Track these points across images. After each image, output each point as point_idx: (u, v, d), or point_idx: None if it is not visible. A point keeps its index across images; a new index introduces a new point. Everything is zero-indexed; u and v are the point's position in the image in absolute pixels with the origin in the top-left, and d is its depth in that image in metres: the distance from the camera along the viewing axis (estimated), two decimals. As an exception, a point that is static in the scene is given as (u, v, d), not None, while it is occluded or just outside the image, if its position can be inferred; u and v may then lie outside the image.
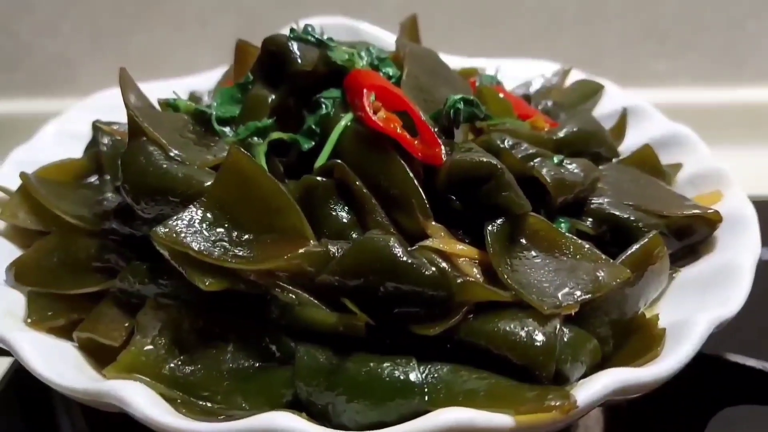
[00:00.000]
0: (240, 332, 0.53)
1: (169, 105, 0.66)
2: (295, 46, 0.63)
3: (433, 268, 0.50)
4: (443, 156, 0.57)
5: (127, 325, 0.55)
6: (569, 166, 0.62)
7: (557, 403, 0.43)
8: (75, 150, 0.78)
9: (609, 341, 0.53)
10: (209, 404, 0.48)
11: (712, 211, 0.64)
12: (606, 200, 0.63)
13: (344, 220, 0.57)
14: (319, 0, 1.11)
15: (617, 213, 0.62)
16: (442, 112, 0.61)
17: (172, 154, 0.57)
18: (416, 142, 0.59)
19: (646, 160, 0.71)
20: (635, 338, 0.54)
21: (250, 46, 0.73)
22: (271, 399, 0.49)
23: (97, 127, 0.77)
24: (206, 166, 0.57)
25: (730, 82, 1.32)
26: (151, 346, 0.51)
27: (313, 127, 0.62)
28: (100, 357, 0.56)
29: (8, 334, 0.51)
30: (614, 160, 0.72)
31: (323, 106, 0.63)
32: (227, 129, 0.62)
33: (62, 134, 0.80)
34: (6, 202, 0.66)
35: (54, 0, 1.29)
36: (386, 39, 0.92)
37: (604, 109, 0.86)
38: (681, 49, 1.32)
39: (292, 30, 0.65)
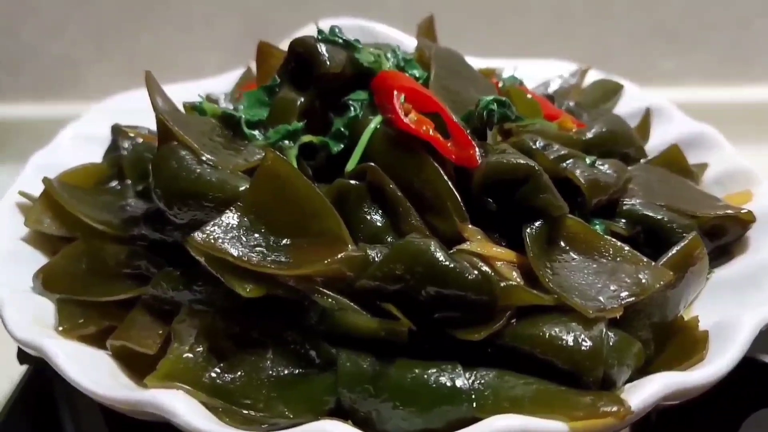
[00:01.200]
0: (278, 338, 0.52)
1: (195, 108, 0.65)
2: (323, 48, 0.62)
3: (476, 272, 0.50)
4: (478, 158, 0.57)
5: (161, 332, 0.54)
6: (602, 167, 0.61)
7: (613, 409, 0.43)
8: (94, 154, 0.78)
9: (650, 344, 0.53)
10: (252, 412, 0.48)
11: (745, 211, 0.63)
12: (638, 201, 0.63)
13: (379, 224, 0.56)
14: (324, 1, 1.11)
15: (651, 214, 0.62)
16: (474, 113, 0.61)
17: (204, 158, 0.56)
18: (449, 144, 0.58)
19: (674, 161, 0.71)
20: (676, 341, 0.54)
21: (272, 48, 0.72)
22: (313, 407, 0.48)
23: (117, 131, 0.76)
24: (238, 170, 0.56)
25: (738, 81, 1.32)
26: (189, 354, 0.50)
27: (342, 129, 0.61)
28: (133, 365, 0.55)
29: (43, 341, 0.50)
30: (642, 160, 0.72)
31: (351, 108, 0.62)
32: (256, 132, 0.61)
33: (81, 138, 0.79)
34: (30, 209, 0.65)
35: (59, 2, 1.28)
36: (401, 40, 0.91)
37: (625, 109, 0.85)
38: (689, 48, 1.32)
39: (320, 31, 0.65)
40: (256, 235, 0.52)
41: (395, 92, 0.61)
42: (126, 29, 1.33)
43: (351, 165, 0.59)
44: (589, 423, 0.43)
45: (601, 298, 0.51)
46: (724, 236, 0.64)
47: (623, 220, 0.62)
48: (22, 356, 0.65)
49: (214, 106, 0.63)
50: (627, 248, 0.55)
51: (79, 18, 1.30)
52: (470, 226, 0.56)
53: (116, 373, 0.53)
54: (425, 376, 0.47)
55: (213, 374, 0.50)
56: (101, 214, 0.63)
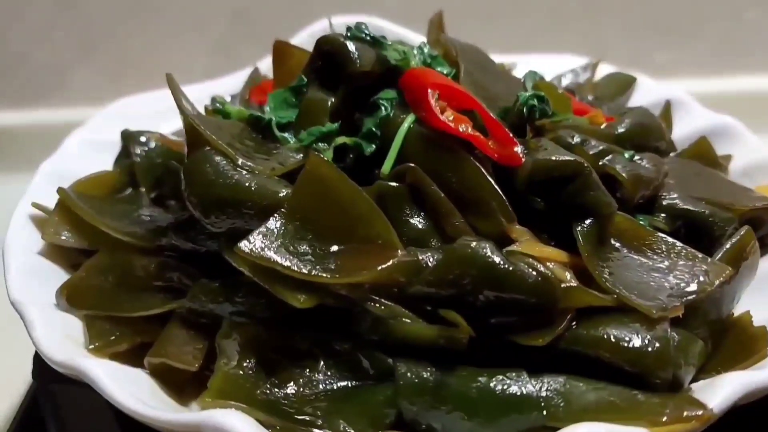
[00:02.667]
0: (327, 349, 0.50)
1: (218, 112, 0.62)
2: (352, 46, 0.60)
3: (535, 274, 0.48)
4: (521, 156, 0.55)
5: (200, 347, 0.52)
6: (641, 162, 0.60)
7: (696, 413, 0.41)
8: (103, 161, 0.74)
9: (708, 342, 0.52)
10: (312, 429, 0.45)
11: (782, 203, 0.63)
12: (675, 195, 0.62)
13: (422, 227, 0.54)
14: (314, 2, 1.08)
15: (692, 208, 0.60)
16: (513, 109, 0.59)
17: (239, 163, 0.53)
18: (490, 142, 0.56)
19: (703, 153, 0.70)
20: (731, 338, 0.53)
21: (291, 47, 0.70)
22: (374, 420, 0.46)
23: (127, 136, 0.73)
24: (275, 175, 0.54)
25: (731, 72, 1.32)
26: (238, 370, 0.48)
27: (374, 129, 0.59)
28: (170, 382, 0.52)
29: (82, 363, 0.48)
30: (671, 154, 0.71)
31: (382, 107, 0.60)
32: (286, 135, 0.59)
33: (87, 145, 0.76)
34: (46, 221, 0.62)
35: (44, 8, 1.24)
36: (407, 36, 0.90)
37: (640, 102, 0.84)
38: (683, 41, 1.32)
39: (348, 29, 0.62)
40: (303, 243, 0.49)
41: (429, 90, 0.59)
42: (112, 34, 1.29)
43: (387, 166, 0.57)
44: (671, 428, 0.42)
45: (661, 297, 0.50)
46: (761, 228, 0.63)
47: (663, 215, 0.60)
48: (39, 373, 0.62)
49: (241, 109, 0.61)
50: (679, 244, 0.54)
51: (65, 22, 1.26)
52: (518, 226, 0.54)
53: (156, 392, 0.50)
54: (492, 385, 0.45)
55: (266, 390, 0.47)
56: (124, 224, 0.60)
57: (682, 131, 0.78)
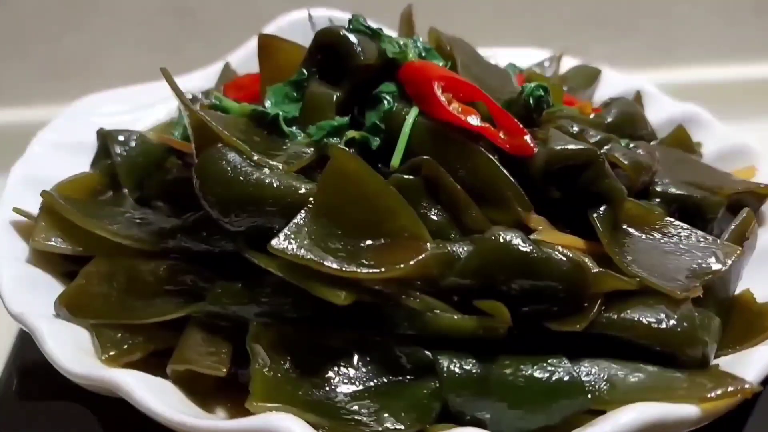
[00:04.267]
0: (361, 347, 0.49)
1: (215, 107, 0.60)
2: (355, 39, 0.59)
3: (568, 261, 0.49)
4: (532, 145, 0.56)
5: (225, 351, 0.50)
6: (637, 150, 0.62)
7: (739, 387, 0.43)
8: (75, 162, 0.71)
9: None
10: (361, 428, 0.44)
11: (763, 185, 0.66)
12: (667, 181, 0.64)
13: (440, 219, 0.54)
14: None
15: (684, 193, 0.63)
16: (519, 100, 0.60)
17: (255, 160, 0.52)
18: (500, 133, 0.57)
19: (681, 141, 0.73)
20: (736, 315, 0.55)
21: (277, 40, 0.68)
22: (421, 415, 0.46)
23: (105, 136, 0.70)
24: (291, 170, 0.53)
25: (664, 65, 1.38)
26: (276, 372, 0.47)
27: (378, 123, 0.59)
28: (193, 389, 0.50)
29: (109, 374, 0.45)
30: (652, 142, 0.73)
31: (384, 101, 0.60)
32: (294, 129, 0.57)
33: (55, 146, 0.72)
34: (35, 227, 0.58)
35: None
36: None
37: (607, 94, 0.87)
38: (619, 34, 1.37)
39: (350, 21, 0.61)
40: (334, 239, 0.48)
41: (435, 83, 0.59)
42: (47, 30, 1.23)
43: (396, 160, 0.57)
44: (717, 404, 0.43)
45: (680, 279, 0.51)
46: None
47: (657, 200, 0.62)
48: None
49: (244, 104, 0.59)
50: (687, 226, 0.56)
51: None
52: (535, 215, 0.54)
53: (185, 400, 0.48)
54: (537, 373, 0.46)
55: (308, 391, 0.46)
56: (121, 227, 0.57)
57: (651, 121, 0.81)
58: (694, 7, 1.38)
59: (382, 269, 0.47)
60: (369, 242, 0.49)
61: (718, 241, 0.55)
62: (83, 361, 0.48)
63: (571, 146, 0.54)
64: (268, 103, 0.60)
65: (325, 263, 0.47)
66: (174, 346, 0.53)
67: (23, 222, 0.61)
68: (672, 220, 0.56)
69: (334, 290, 0.46)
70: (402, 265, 0.47)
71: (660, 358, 0.49)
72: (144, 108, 0.82)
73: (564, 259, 0.49)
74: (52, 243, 0.58)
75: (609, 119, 0.68)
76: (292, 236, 0.47)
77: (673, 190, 0.63)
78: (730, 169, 0.72)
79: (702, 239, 0.54)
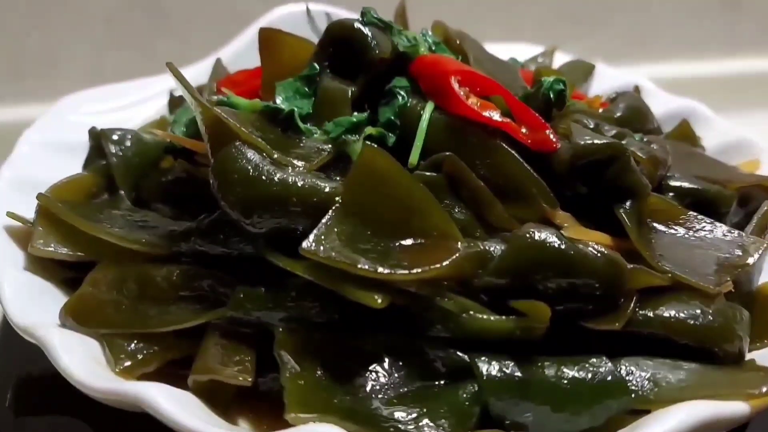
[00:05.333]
0: (393, 351, 0.47)
1: (222, 104, 0.57)
2: (369, 32, 0.57)
3: (604, 258, 0.47)
4: (554, 141, 0.55)
5: (249, 358, 0.48)
6: (651, 145, 0.61)
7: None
8: (64, 163, 0.68)
9: (746, 314, 0.53)
10: (405, 436, 0.43)
11: (769, 178, 0.66)
12: (677, 175, 0.63)
13: (464, 217, 0.52)
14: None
15: (697, 186, 0.62)
16: (537, 94, 0.58)
17: (275, 158, 0.49)
18: (522, 128, 0.55)
19: (686, 135, 0.73)
20: (758, 309, 0.55)
21: (280, 34, 0.65)
22: (461, 420, 0.44)
23: (98, 135, 0.67)
24: (312, 168, 0.51)
25: (638, 60, 1.40)
26: (308, 380, 0.44)
27: (393, 119, 0.57)
28: (215, 400, 0.48)
29: (131, 387, 0.42)
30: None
31: (398, 96, 0.58)
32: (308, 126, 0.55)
33: (42, 146, 0.69)
34: (32, 233, 0.55)
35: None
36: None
37: (601, 89, 0.87)
38: (592, 30, 1.37)
39: (362, 14, 0.59)
40: (364, 239, 0.47)
41: (452, 77, 0.57)
42: (10, 28, 1.18)
43: (414, 157, 0.55)
44: (765, 400, 0.42)
45: (711, 273, 0.51)
46: (750, 204, 0.66)
47: (671, 194, 0.62)
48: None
49: (255, 101, 0.56)
50: (709, 220, 0.55)
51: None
52: (560, 211, 0.53)
53: (209, 412, 0.46)
54: (581, 373, 0.45)
55: (343, 398, 0.44)
56: (127, 231, 0.55)
57: (651, 115, 0.81)
58: (665, 3, 1.39)
59: (418, 270, 0.45)
60: (400, 242, 0.47)
61: (744, 234, 0.54)
62: (101, 375, 0.45)
63: (597, 141, 0.53)
64: (278, 99, 0.57)
65: (359, 265, 0.45)
66: (191, 355, 0.50)
67: (17, 227, 0.57)
68: (694, 214, 0.56)
69: (370, 293, 0.44)
70: (438, 265, 0.46)
71: (694, 354, 0.48)
72: (131, 106, 0.79)
73: (600, 255, 0.47)
74: (52, 249, 0.55)
75: (618, 114, 0.68)
76: (323, 237, 0.45)
77: (687, 185, 0.62)
78: (732, 163, 0.72)
79: (727, 233, 0.54)
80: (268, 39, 0.65)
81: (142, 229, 0.55)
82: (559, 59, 0.93)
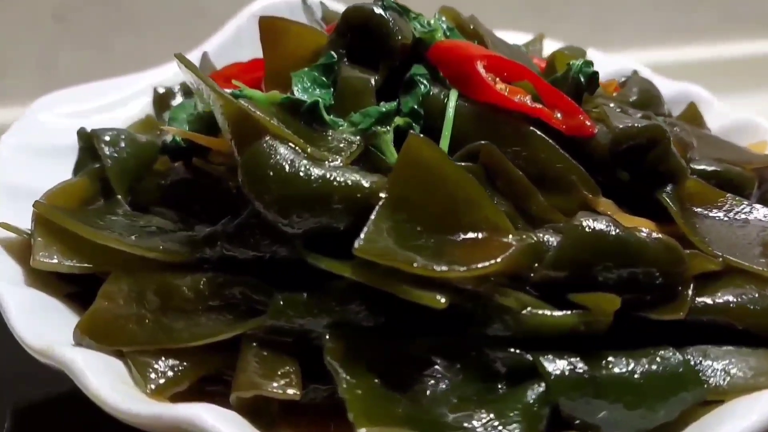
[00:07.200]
0: (449, 353, 0.44)
1: (236, 96, 0.53)
2: (390, 17, 0.54)
3: (663, 244, 0.45)
4: (591, 126, 0.53)
5: (293, 370, 0.44)
6: (674, 128, 0.60)
7: None
8: (49, 167, 0.63)
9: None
10: (479, 445, 0.40)
11: (786, 158, 0.65)
12: (697, 158, 0.62)
13: (505, 209, 0.49)
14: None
15: (720, 169, 0.61)
16: (567, 78, 0.56)
17: (309, 152, 0.46)
18: (557, 113, 0.53)
19: (694, 118, 0.72)
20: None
21: (284, 22, 0.61)
22: (531, 423, 0.41)
23: (89, 136, 0.62)
24: (348, 162, 0.47)
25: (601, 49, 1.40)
26: (367, 390, 0.41)
27: (417, 108, 0.54)
28: (259, 417, 0.44)
29: (183, 411, 0.38)
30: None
31: (420, 84, 0.55)
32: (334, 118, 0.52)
33: (23, 151, 0.63)
34: (33, 245, 0.50)
35: None
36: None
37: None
38: (556, 20, 1.37)
39: (379, -1, 0.56)
40: (416, 236, 0.43)
41: (478, 62, 0.54)
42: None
43: (444, 147, 0.52)
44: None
45: (759, 256, 0.49)
46: (765, 184, 0.65)
47: (694, 177, 0.61)
48: None
49: (273, 92, 0.52)
50: (746, 201, 0.54)
51: None
52: (603, 198, 0.51)
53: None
54: (652, 367, 0.43)
55: (407, 407, 0.41)
56: (140, 239, 0.50)
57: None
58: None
59: (476, 266, 0.42)
60: (452, 237, 0.44)
61: (781, 215, 0.53)
62: (136, 398, 0.40)
63: (637, 124, 0.51)
64: (296, 90, 0.53)
65: (414, 264, 0.41)
66: (223, 370, 0.46)
67: (12, 239, 0.52)
68: (731, 195, 0.55)
69: (431, 293, 0.41)
70: (495, 260, 0.43)
71: (753, 340, 0.46)
72: (113, 106, 0.73)
73: (658, 242, 0.45)
74: (56, 261, 0.50)
75: (633, 98, 0.66)
76: (374, 236, 0.42)
77: (710, 167, 0.61)
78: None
79: (764, 215, 0.53)
80: (271, 28, 0.61)
81: (154, 236, 0.51)
82: (548, 46, 0.92)
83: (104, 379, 0.41)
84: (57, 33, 1.17)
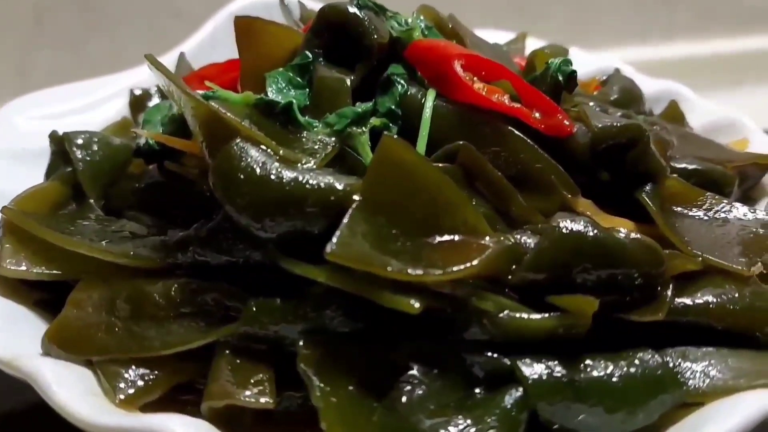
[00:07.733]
0: (426, 360, 0.43)
1: (208, 98, 0.52)
2: (365, 16, 0.53)
3: (642, 245, 0.45)
4: (569, 125, 0.52)
5: (267, 377, 0.43)
6: (654, 127, 0.60)
7: None
8: (20, 171, 0.61)
9: None
10: (455, 452, 0.39)
11: (765, 156, 0.65)
12: (677, 156, 0.62)
13: (485, 210, 0.48)
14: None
15: (700, 167, 0.61)
16: (546, 77, 0.55)
17: (281, 155, 0.45)
18: (535, 113, 0.52)
19: (675, 117, 0.71)
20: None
21: (260, 22, 0.60)
22: (511, 428, 0.41)
23: (61, 140, 0.60)
24: (322, 164, 0.46)
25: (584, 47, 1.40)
26: (341, 398, 0.40)
27: (394, 108, 0.53)
28: (231, 426, 0.43)
29: (154, 421, 0.37)
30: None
31: (397, 84, 0.54)
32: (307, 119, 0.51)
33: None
34: (1, 252, 0.49)
35: None
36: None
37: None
38: (535, 19, 1.37)
39: (355, -4, 0.55)
40: (390, 239, 0.42)
41: (455, 61, 0.54)
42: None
43: (421, 147, 0.51)
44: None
45: (740, 256, 0.49)
46: (746, 182, 0.65)
47: (675, 176, 0.60)
48: None
49: (246, 93, 0.51)
50: (726, 200, 0.54)
51: None
52: (582, 198, 0.51)
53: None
54: (631, 369, 0.42)
55: (383, 415, 0.40)
56: (111, 244, 0.49)
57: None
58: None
59: (452, 269, 0.41)
60: (428, 240, 0.43)
61: (760, 215, 0.53)
62: (104, 408, 0.39)
63: (617, 123, 0.51)
64: (270, 91, 0.52)
65: (389, 268, 0.40)
66: (196, 378, 0.45)
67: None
68: (711, 194, 0.54)
69: (405, 298, 0.40)
70: (472, 263, 0.42)
71: (733, 340, 0.46)
72: (88, 108, 0.72)
73: (637, 242, 0.45)
74: (24, 268, 0.49)
75: (614, 96, 0.66)
76: (348, 239, 0.41)
77: (690, 166, 0.60)
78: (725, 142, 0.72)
79: (749, 212, 0.52)
80: (247, 28, 0.60)
81: (126, 241, 0.50)
82: (531, 45, 0.91)
83: (72, 390, 0.40)
84: (32, 35, 1.16)
